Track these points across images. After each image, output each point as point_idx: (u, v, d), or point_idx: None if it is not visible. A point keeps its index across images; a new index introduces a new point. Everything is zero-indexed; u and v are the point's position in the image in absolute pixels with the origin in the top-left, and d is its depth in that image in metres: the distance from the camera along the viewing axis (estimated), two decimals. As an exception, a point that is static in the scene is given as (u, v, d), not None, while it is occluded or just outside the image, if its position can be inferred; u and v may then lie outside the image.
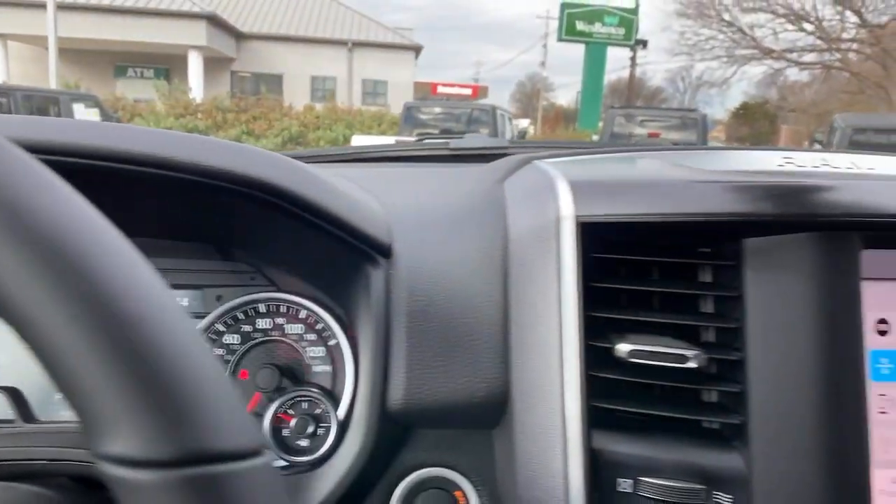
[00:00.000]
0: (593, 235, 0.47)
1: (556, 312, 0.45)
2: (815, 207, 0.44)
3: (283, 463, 0.52)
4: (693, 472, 0.44)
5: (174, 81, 12.50)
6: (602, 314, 0.46)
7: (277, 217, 0.47)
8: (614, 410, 0.46)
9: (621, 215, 0.46)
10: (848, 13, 14.98)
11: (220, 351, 0.56)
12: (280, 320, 0.57)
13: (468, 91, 24.95)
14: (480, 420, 0.50)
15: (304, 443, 0.53)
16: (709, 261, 0.48)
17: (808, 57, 16.12)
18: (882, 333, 0.44)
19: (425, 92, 22.03)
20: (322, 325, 0.57)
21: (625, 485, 0.45)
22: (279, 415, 0.53)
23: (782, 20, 15.71)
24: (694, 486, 0.43)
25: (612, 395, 0.46)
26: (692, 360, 0.44)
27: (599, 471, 0.45)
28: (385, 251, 0.51)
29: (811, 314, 0.43)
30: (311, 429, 0.53)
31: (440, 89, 23.77)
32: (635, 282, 0.48)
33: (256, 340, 0.57)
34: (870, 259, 0.44)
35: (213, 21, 14.98)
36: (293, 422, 0.53)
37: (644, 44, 18.39)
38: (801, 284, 0.44)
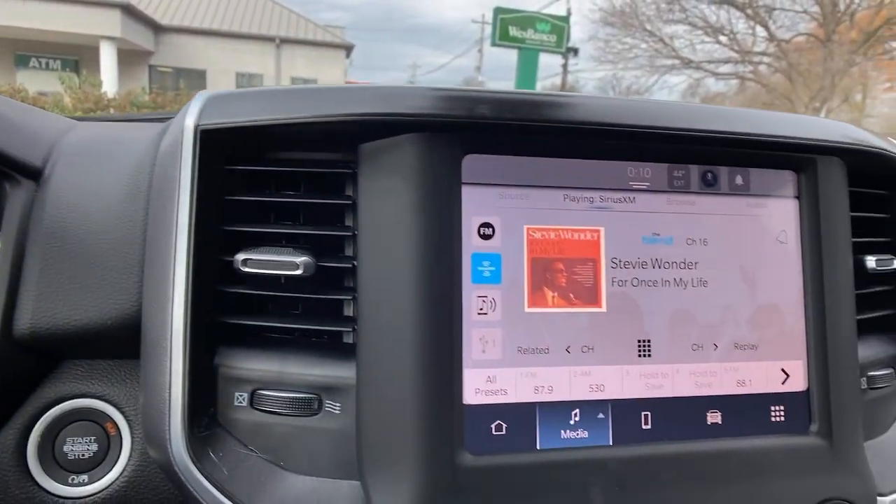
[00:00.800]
0: (238, 148, 0.45)
1: (172, 226, 0.43)
2: (416, 109, 0.43)
3: None
4: (311, 384, 0.44)
5: (84, 74, 11.56)
6: (237, 228, 0.45)
7: None
8: (249, 326, 0.45)
9: (240, 122, 0.44)
10: (758, 28, 16.04)
11: None
12: None
13: (404, 93, 24.84)
14: (125, 348, 0.47)
15: None
16: (340, 170, 0.47)
17: (724, 68, 17.11)
18: (486, 237, 0.44)
19: (360, 93, 21.72)
20: None
21: (241, 399, 0.44)
22: None
23: (700, 32, 16.59)
24: (306, 395, 0.43)
25: (247, 311, 0.46)
26: (300, 266, 0.43)
27: (218, 387, 0.44)
28: (30, 172, 0.48)
29: (413, 217, 0.42)
30: None
31: (375, 90, 23.54)
32: (270, 194, 0.47)
33: None
34: (473, 164, 0.44)
35: (128, 11, 14.03)
36: None
37: (575, 51, 18.92)
38: (404, 188, 0.43)
